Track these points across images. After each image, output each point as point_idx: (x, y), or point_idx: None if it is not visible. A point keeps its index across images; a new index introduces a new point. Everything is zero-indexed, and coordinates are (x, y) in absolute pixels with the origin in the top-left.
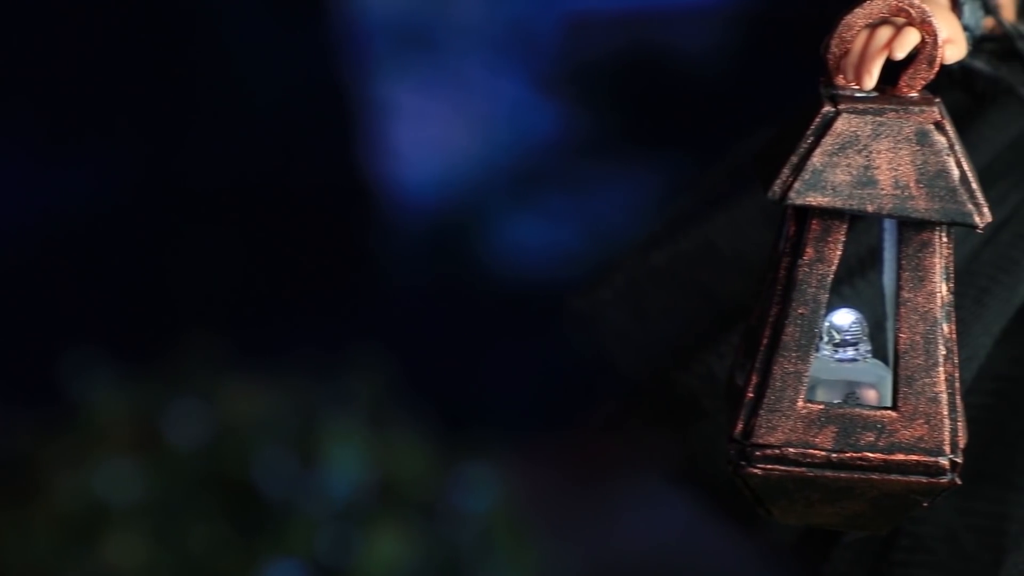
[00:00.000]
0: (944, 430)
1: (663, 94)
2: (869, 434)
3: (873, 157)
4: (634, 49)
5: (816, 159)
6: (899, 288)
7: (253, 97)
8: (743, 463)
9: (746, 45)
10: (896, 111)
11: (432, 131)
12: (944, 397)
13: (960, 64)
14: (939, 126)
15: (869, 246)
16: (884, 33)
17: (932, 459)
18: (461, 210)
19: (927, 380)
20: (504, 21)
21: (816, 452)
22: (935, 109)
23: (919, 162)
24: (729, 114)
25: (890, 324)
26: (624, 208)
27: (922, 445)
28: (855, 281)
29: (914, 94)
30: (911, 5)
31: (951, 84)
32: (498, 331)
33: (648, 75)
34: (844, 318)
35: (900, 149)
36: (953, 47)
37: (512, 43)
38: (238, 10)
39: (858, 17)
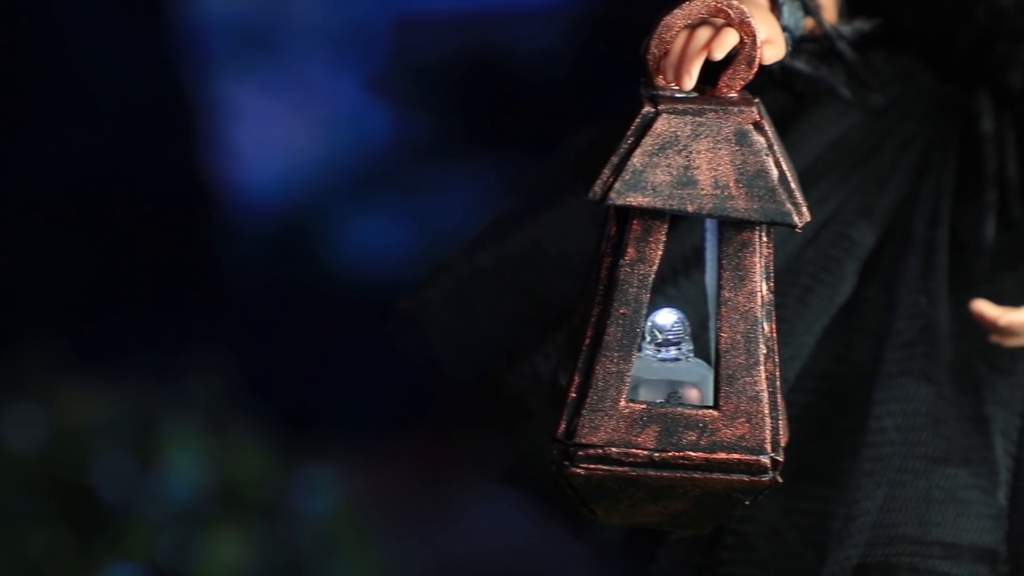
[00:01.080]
0: (765, 429)
1: (503, 95)
2: (691, 433)
3: (693, 157)
4: (472, 50)
5: (636, 159)
6: (720, 287)
7: (92, 98)
8: (566, 463)
9: (584, 46)
10: (715, 111)
11: (273, 132)
12: (765, 396)
13: (780, 64)
14: (758, 126)
15: (694, 246)
16: (703, 34)
17: (754, 457)
18: (302, 212)
19: (748, 379)
20: (344, 23)
21: (638, 451)
22: (754, 109)
23: (738, 162)
24: (568, 114)
25: (712, 323)
26: (465, 208)
27: (744, 444)
28: (679, 281)
29: (733, 94)
30: (730, 6)
31: (772, 84)
32: (339, 332)
33: (488, 76)
34: (666, 318)
35: (720, 149)
36: (772, 48)
37: (352, 45)
38: (76, 10)
39: (677, 18)
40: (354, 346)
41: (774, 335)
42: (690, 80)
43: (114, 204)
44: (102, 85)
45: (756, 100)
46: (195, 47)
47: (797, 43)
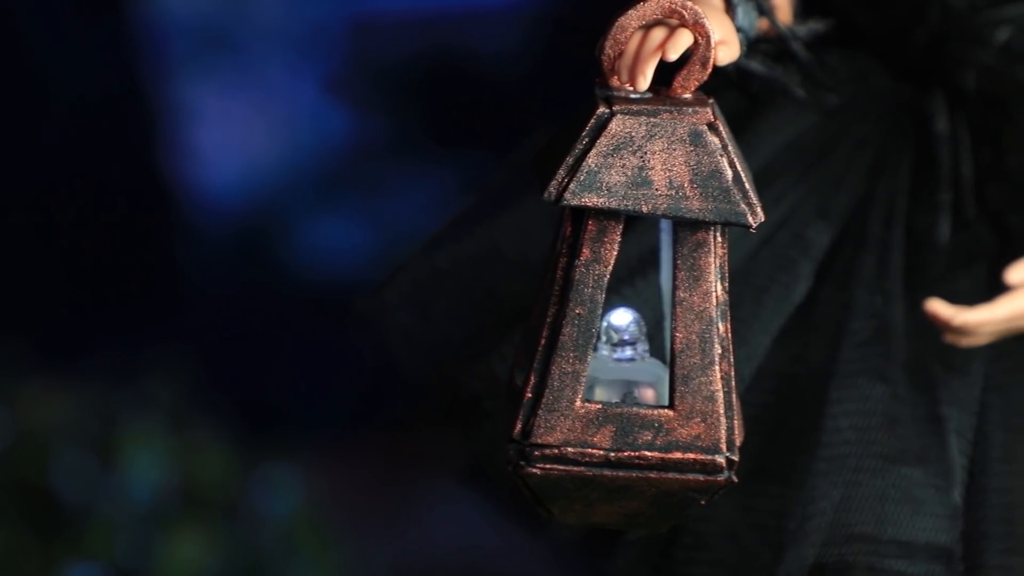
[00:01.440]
0: (720, 428)
1: (463, 96)
2: (647, 433)
3: (648, 158)
4: (432, 51)
5: (591, 160)
6: (675, 288)
7: (52, 99)
8: (522, 463)
9: (543, 47)
10: (670, 112)
11: (233, 134)
12: (720, 395)
13: (735, 65)
14: (712, 127)
15: (651, 246)
16: (658, 35)
17: (709, 457)
18: (262, 212)
19: (703, 379)
20: (304, 24)
21: (594, 451)
22: (708, 110)
23: (693, 162)
24: (527, 114)
25: (667, 324)
26: (427, 210)
27: (699, 443)
28: (635, 281)
29: (688, 95)
30: (684, 7)
31: (727, 85)
32: (299, 333)
33: (448, 77)
34: (622, 318)
35: (674, 150)
36: (726, 48)
37: (312, 46)
38: (36, 10)
39: (631, 19)
40: (315, 346)
41: (729, 335)
42: (644, 81)
43: (75, 205)
44: (62, 86)
45: (711, 101)
46: (155, 48)
47: (752, 44)
